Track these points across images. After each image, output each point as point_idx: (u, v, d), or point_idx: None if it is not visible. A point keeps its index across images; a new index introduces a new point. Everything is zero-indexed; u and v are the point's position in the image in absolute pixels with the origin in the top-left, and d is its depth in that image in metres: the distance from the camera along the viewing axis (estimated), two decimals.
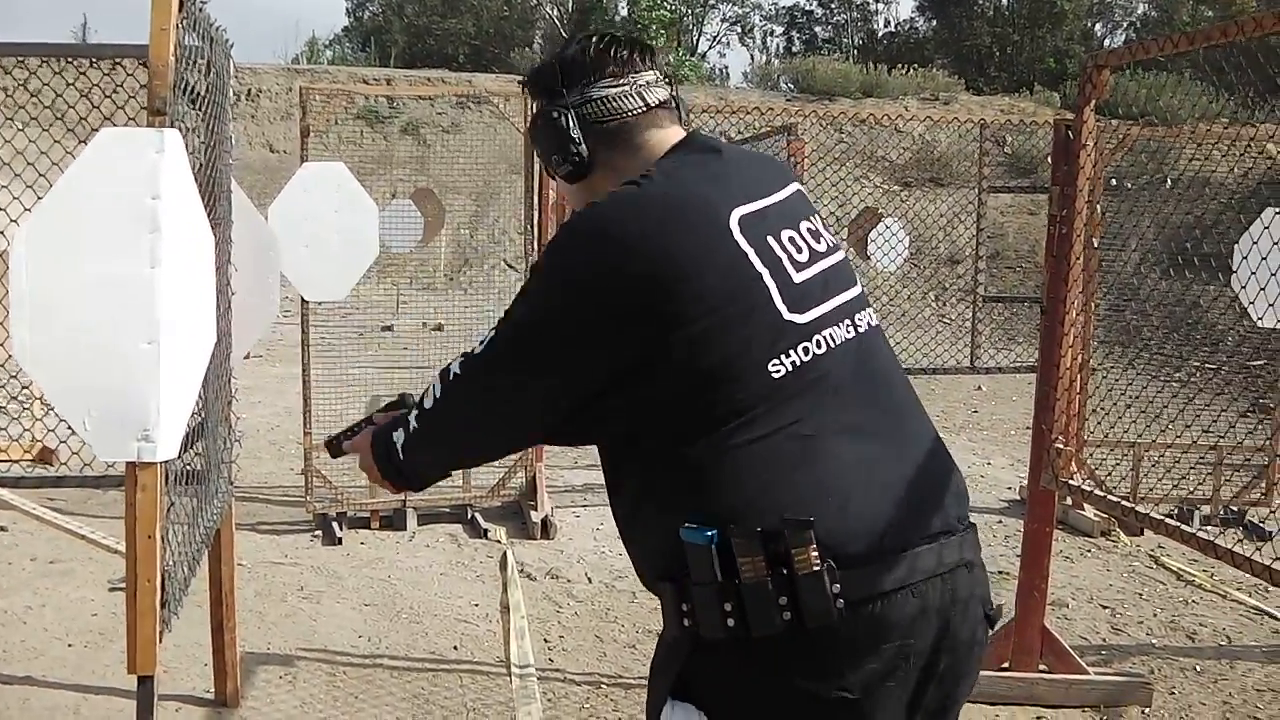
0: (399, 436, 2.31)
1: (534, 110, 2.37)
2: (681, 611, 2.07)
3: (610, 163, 2.30)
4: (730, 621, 2.01)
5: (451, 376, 2.22)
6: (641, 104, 2.30)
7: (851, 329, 2.20)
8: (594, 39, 2.34)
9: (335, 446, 2.54)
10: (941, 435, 2.35)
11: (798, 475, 2.05)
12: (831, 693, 2.02)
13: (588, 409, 2.15)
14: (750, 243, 2.12)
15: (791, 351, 2.09)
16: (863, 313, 2.26)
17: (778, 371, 2.07)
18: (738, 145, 2.78)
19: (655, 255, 2.04)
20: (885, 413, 2.21)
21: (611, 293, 2.06)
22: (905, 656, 2.05)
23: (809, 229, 2.24)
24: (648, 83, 2.32)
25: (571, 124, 2.29)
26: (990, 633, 2.24)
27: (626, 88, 2.30)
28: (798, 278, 2.15)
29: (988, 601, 2.19)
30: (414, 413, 2.30)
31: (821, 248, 2.23)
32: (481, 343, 2.19)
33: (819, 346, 2.12)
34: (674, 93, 2.37)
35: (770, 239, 2.15)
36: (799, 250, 2.19)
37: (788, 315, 2.10)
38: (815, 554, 1.97)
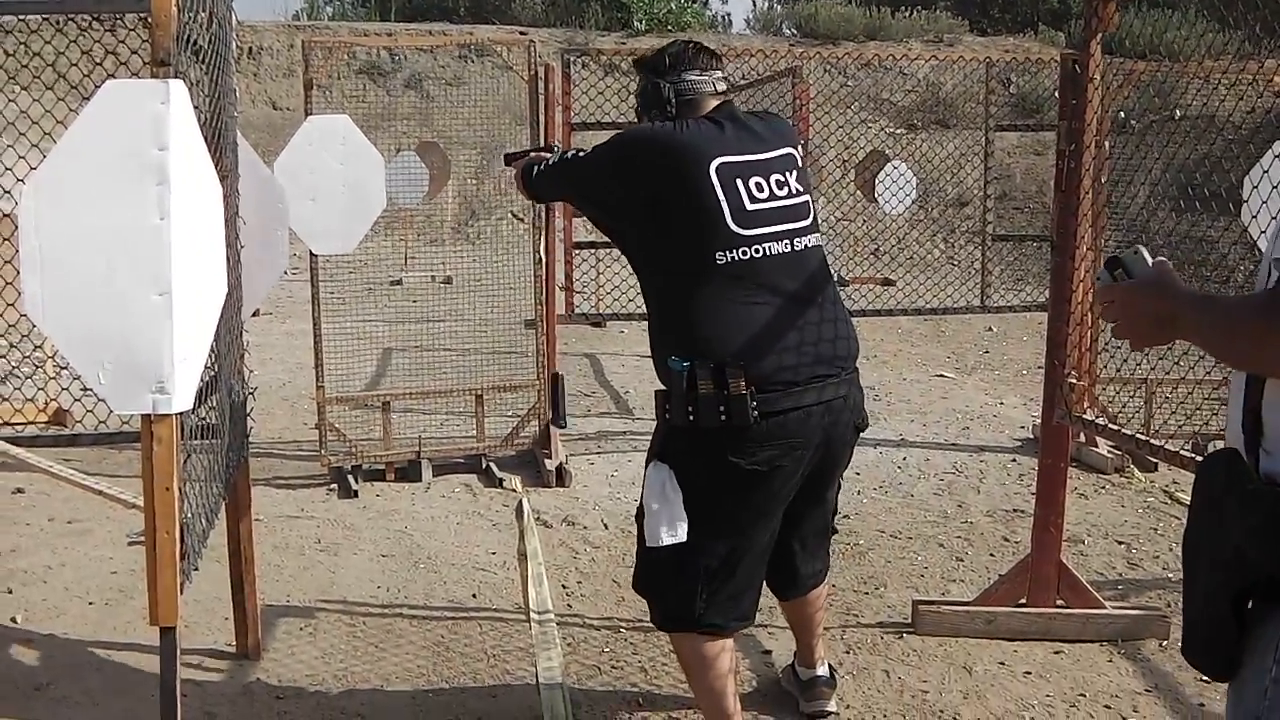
0: (536, 170, 3.86)
1: (640, 81, 3.70)
2: (664, 408, 3.44)
3: (680, 117, 3.57)
4: (690, 417, 3.34)
5: (564, 158, 3.82)
6: (711, 90, 3.63)
7: (789, 246, 3.45)
8: (692, 44, 3.72)
9: (507, 159, 4.06)
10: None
11: (737, 331, 3.33)
12: (747, 464, 3.34)
13: (615, 220, 3.68)
14: (719, 179, 3.38)
15: (732, 250, 3.37)
16: (803, 237, 3.51)
17: (720, 260, 3.36)
18: (752, 114, 3.73)
19: (662, 150, 3.45)
20: (802, 297, 3.45)
21: (637, 154, 3.54)
22: (795, 449, 3.39)
23: (777, 180, 3.48)
24: (719, 78, 3.66)
25: (669, 94, 3.60)
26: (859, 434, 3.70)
27: (707, 79, 3.63)
28: (750, 207, 3.41)
29: (857, 417, 3.62)
30: (546, 162, 3.84)
31: (782, 193, 3.48)
32: (579, 152, 3.80)
33: (756, 252, 3.39)
34: (728, 85, 3.73)
35: (738, 180, 3.41)
36: (760, 191, 3.44)
37: (733, 227, 3.37)
38: (744, 383, 3.28)
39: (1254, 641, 1.93)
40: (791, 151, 3.61)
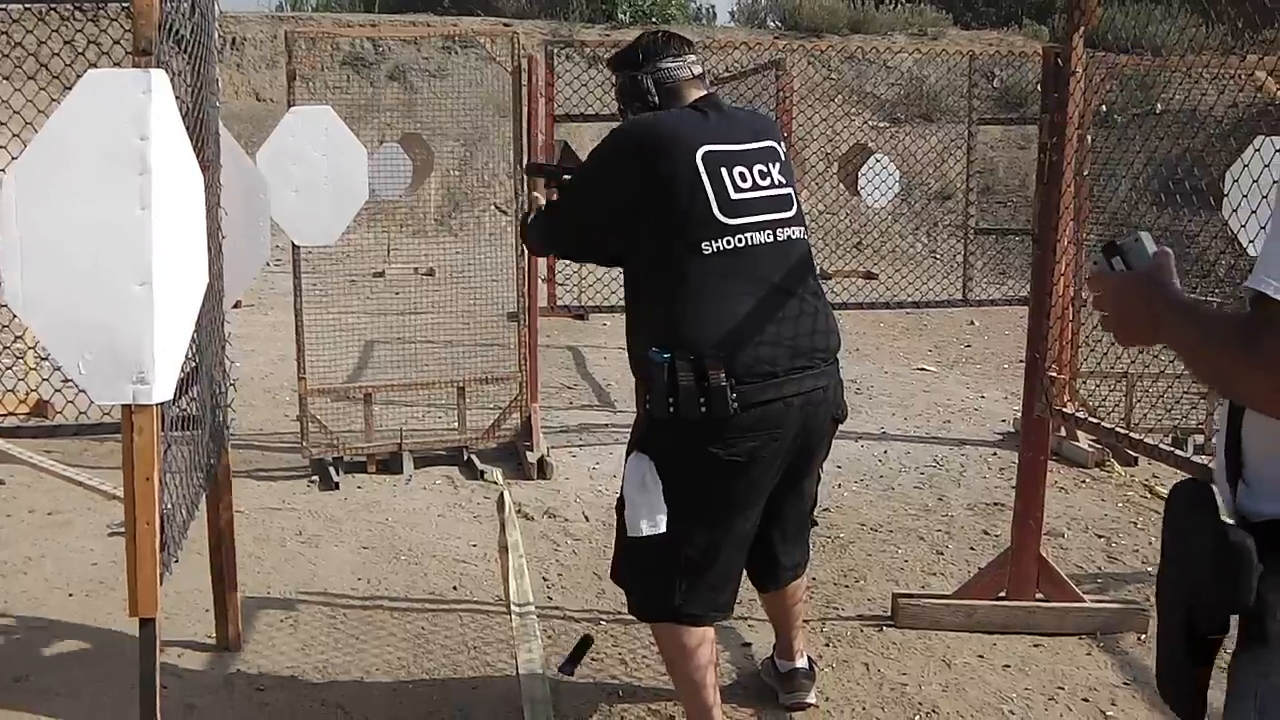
0: (529, 218, 3.94)
1: (618, 79, 3.71)
2: (645, 399, 3.42)
3: (664, 107, 3.59)
4: (670, 408, 3.31)
5: (550, 204, 3.85)
6: (689, 74, 3.65)
7: (772, 236, 3.46)
8: (660, 33, 3.72)
9: (529, 170, 4.32)
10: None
11: (718, 323, 3.32)
12: (726, 455, 3.34)
13: (614, 224, 3.53)
14: (705, 167, 3.38)
15: (718, 239, 3.37)
16: (786, 228, 3.50)
17: (706, 250, 3.36)
18: (736, 108, 3.86)
19: (648, 143, 3.44)
20: (784, 289, 3.44)
21: (627, 154, 3.48)
22: (775, 439, 3.39)
23: (760, 170, 3.49)
24: (693, 62, 3.68)
25: (649, 85, 3.61)
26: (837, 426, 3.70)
27: (682, 64, 3.64)
28: (735, 196, 3.40)
29: (836, 409, 3.62)
30: (537, 211, 3.91)
31: (765, 184, 3.48)
32: (554, 203, 3.82)
33: (740, 242, 3.39)
34: (704, 68, 3.74)
35: (723, 169, 3.41)
36: (744, 180, 3.44)
37: (719, 217, 3.37)
38: (723, 375, 3.27)
39: (1234, 687, 1.85)
40: (774, 144, 3.61)
